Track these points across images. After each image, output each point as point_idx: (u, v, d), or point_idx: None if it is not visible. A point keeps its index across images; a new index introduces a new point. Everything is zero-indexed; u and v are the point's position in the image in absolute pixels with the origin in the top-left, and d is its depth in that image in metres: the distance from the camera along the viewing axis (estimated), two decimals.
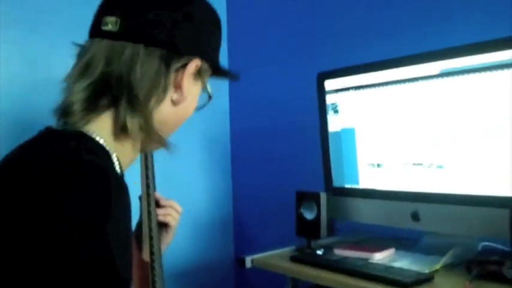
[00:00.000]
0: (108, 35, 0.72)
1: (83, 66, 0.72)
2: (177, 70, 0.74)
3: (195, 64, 0.75)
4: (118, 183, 0.64)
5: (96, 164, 0.64)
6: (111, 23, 0.72)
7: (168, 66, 0.73)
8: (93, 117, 0.71)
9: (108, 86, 0.71)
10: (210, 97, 0.85)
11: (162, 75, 0.73)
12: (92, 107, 0.71)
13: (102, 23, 0.72)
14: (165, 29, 0.73)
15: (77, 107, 0.70)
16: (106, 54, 0.71)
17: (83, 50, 0.74)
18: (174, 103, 0.76)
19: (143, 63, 0.71)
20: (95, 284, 0.56)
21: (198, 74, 0.78)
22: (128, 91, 0.71)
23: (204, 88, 0.83)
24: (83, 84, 0.71)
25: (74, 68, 0.74)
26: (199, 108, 0.85)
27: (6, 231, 0.59)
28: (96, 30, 0.74)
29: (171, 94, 0.76)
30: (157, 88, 0.73)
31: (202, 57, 0.77)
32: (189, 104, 0.79)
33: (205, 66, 0.79)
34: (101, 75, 0.71)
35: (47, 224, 0.56)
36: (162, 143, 0.79)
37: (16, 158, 0.68)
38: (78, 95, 0.70)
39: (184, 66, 0.75)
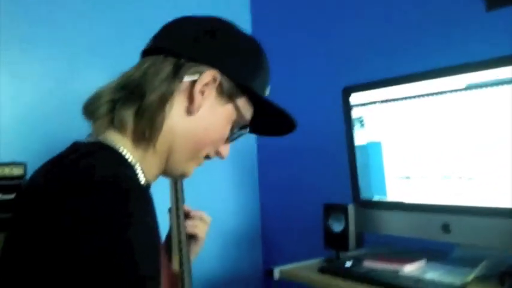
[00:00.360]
0: (143, 54, 0.80)
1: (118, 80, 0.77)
2: (191, 80, 0.75)
3: (210, 75, 0.75)
4: (139, 192, 0.64)
5: (111, 180, 0.63)
6: (149, 43, 0.80)
7: (177, 71, 0.75)
8: (116, 127, 0.74)
9: (128, 95, 0.74)
10: (244, 126, 0.83)
11: (170, 79, 0.74)
12: (116, 114, 0.74)
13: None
14: (185, 41, 0.77)
15: (103, 110, 0.74)
16: (133, 68, 0.77)
17: None
18: (188, 112, 0.76)
19: (157, 70, 0.74)
20: None
21: (223, 92, 0.77)
22: (139, 94, 0.73)
23: (241, 117, 0.81)
24: (110, 90, 0.76)
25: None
26: (231, 140, 0.83)
27: (18, 245, 0.60)
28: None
29: (184, 103, 0.76)
30: (164, 92, 0.73)
31: (223, 71, 0.76)
32: (209, 125, 0.78)
33: (231, 85, 0.77)
34: (123, 82, 0.76)
35: (58, 238, 0.57)
36: (180, 166, 0.79)
37: (38, 175, 0.70)
38: (105, 97, 0.75)
39: (199, 75, 0.75)
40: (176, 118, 0.76)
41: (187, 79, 0.75)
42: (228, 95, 0.78)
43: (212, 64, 0.76)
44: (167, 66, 0.75)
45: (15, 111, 1.50)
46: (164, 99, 0.74)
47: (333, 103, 1.50)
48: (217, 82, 0.76)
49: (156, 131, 0.74)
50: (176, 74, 0.75)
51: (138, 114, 0.73)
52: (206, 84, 0.76)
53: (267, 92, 0.85)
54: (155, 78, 0.74)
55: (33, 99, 1.52)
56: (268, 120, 0.86)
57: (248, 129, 0.84)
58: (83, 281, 0.55)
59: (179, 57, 0.75)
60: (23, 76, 1.51)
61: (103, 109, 0.75)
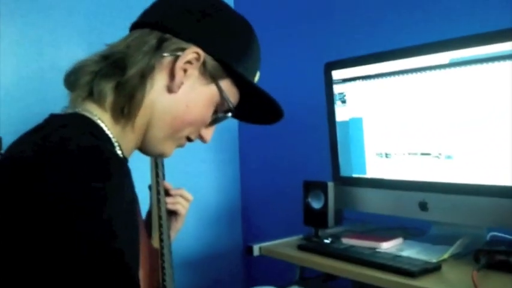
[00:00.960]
0: (132, 27, 0.79)
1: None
2: (174, 55, 0.74)
3: (193, 51, 0.73)
4: (117, 164, 0.63)
5: (88, 146, 0.62)
6: (138, 17, 0.79)
7: (159, 46, 0.73)
8: (95, 97, 0.72)
9: (111, 65, 0.72)
10: (229, 109, 0.80)
11: (151, 53, 0.73)
12: (96, 86, 0.72)
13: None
14: (173, 17, 0.75)
15: (85, 79, 0.72)
16: (120, 40, 0.76)
17: None
18: (169, 89, 0.74)
19: (140, 43, 0.73)
20: (92, 259, 0.55)
21: (206, 71, 0.76)
22: (121, 67, 0.72)
23: (224, 99, 0.78)
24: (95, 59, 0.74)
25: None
26: (213, 122, 0.82)
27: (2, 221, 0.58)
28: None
29: (165, 79, 0.74)
30: (144, 66, 0.72)
31: (208, 50, 0.75)
32: (190, 103, 0.76)
33: (215, 64, 0.76)
34: (106, 54, 0.74)
35: (36, 208, 0.55)
36: (157, 143, 0.78)
37: (15, 147, 0.68)
38: (90, 68, 0.73)
39: (182, 51, 0.74)
40: (156, 94, 0.74)
41: (169, 54, 0.74)
42: (211, 75, 0.76)
43: (196, 42, 0.74)
44: (151, 40, 0.73)
45: None
46: (145, 74, 0.72)
47: (315, 79, 1.50)
48: (201, 61, 0.75)
49: (136, 108, 0.72)
50: (158, 48, 0.73)
51: (117, 88, 0.72)
52: (189, 62, 0.74)
53: (256, 79, 0.83)
54: (138, 51, 0.72)
55: (8, 71, 1.48)
56: (253, 107, 0.85)
57: (231, 114, 0.82)
58: (59, 256, 0.54)
59: (164, 32, 0.74)
60: None
61: (84, 80, 0.73)
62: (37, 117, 0.73)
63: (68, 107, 0.74)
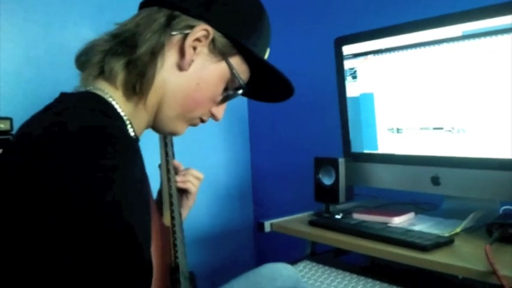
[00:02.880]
0: (142, 5, 0.78)
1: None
2: (183, 33, 0.73)
3: (202, 28, 0.73)
4: (128, 142, 0.62)
5: (93, 126, 0.61)
6: None
7: (169, 23, 0.73)
8: (107, 77, 0.72)
9: (121, 43, 0.72)
10: (240, 87, 0.79)
11: (161, 31, 0.72)
12: (108, 64, 0.72)
13: None
14: None
15: (95, 60, 0.72)
16: (130, 18, 0.75)
17: None
18: (180, 68, 0.74)
19: (150, 21, 0.72)
20: (102, 238, 0.55)
21: (215, 48, 0.75)
22: (131, 45, 0.71)
23: (235, 76, 0.77)
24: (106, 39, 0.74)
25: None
26: (224, 100, 0.81)
27: (8, 197, 0.58)
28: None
29: (175, 57, 0.74)
30: (154, 44, 0.71)
31: (217, 27, 0.74)
32: (200, 81, 0.75)
33: (224, 40, 0.75)
34: (116, 32, 0.74)
35: (42, 188, 0.55)
36: (169, 122, 0.78)
37: (25, 127, 0.68)
38: (101, 47, 0.73)
39: (191, 28, 0.73)
40: (167, 72, 0.74)
41: (178, 32, 0.73)
42: (220, 52, 0.75)
43: (205, 19, 0.74)
44: (160, 18, 0.73)
45: None
46: (155, 52, 0.72)
47: (325, 54, 1.48)
48: (210, 38, 0.74)
49: (147, 85, 0.72)
50: (168, 26, 0.73)
51: (128, 66, 0.72)
52: (198, 39, 0.73)
53: (266, 56, 0.82)
54: (147, 29, 0.72)
55: (17, 51, 1.48)
56: (263, 85, 0.84)
57: (242, 91, 0.81)
58: (66, 237, 0.54)
59: (173, 9, 0.73)
60: (5, 27, 1.46)
61: (95, 59, 0.73)
62: (47, 97, 0.73)
63: (79, 86, 0.74)
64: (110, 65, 0.71)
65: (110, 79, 0.72)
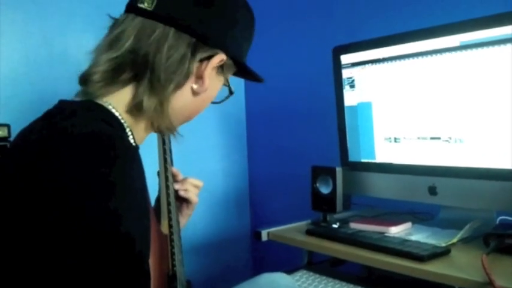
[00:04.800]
0: (142, 13, 0.73)
1: (113, 39, 0.73)
2: (201, 60, 0.75)
3: (220, 58, 0.76)
4: (128, 151, 0.63)
5: (93, 132, 0.62)
6: (147, 2, 0.73)
7: (194, 54, 0.73)
8: (111, 90, 0.72)
9: (133, 63, 0.71)
10: (231, 92, 0.85)
11: (186, 61, 0.73)
12: (112, 79, 0.72)
13: (139, 0, 0.73)
14: (198, 18, 0.73)
15: (97, 77, 0.71)
16: (137, 31, 0.72)
17: (115, 24, 0.75)
18: (194, 93, 0.77)
19: (171, 46, 0.72)
20: (102, 246, 0.55)
21: (221, 68, 0.79)
22: (151, 70, 0.71)
23: (226, 84, 0.83)
24: (108, 56, 0.72)
25: (103, 39, 0.75)
26: (217, 102, 0.86)
27: (8, 197, 0.58)
28: (131, 6, 0.74)
29: (192, 83, 0.76)
30: (180, 73, 0.73)
31: (229, 53, 0.78)
32: (207, 96, 0.81)
33: (230, 62, 0.79)
34: (127, 50, 0.71)
35: (42, 195, 0.56)
36: (172, 129, 0.79)
37: (23, 134, 0.68)
38: (101, 67, 0.71)
39: (210, 58, 0.75)
40: (182, 97, 0.76)
41: (198, 61, 0.75)
42: (223, 70, 0.80)
43: (222, 47, 0.76)
44: (181, 45, 0.72)
45: None
46: (179, 86, 0.74)
47: (323, 64, 1.48)
48: (223, 62, 0.77)
49: (161, 113, 0.74)
50: (191, 56, 0.73)
51: (144, 88, 0.72)
52: (214, 66, 0.77)
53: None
54: (169, 56, 0.71)
55: (15, 59, 1.48)
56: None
57: (231, 92, 0.86)
58: (69, 239, 0.55)
59: (192, 36, 0.73)
60: (4, 33, 1.46)
61: (98, 76, 0.72)
62: (45, 104, 0.73)
63: (80, 94, 0.74)
64: (118, 79, 0.72)
65: (117, 92, 0.73)
